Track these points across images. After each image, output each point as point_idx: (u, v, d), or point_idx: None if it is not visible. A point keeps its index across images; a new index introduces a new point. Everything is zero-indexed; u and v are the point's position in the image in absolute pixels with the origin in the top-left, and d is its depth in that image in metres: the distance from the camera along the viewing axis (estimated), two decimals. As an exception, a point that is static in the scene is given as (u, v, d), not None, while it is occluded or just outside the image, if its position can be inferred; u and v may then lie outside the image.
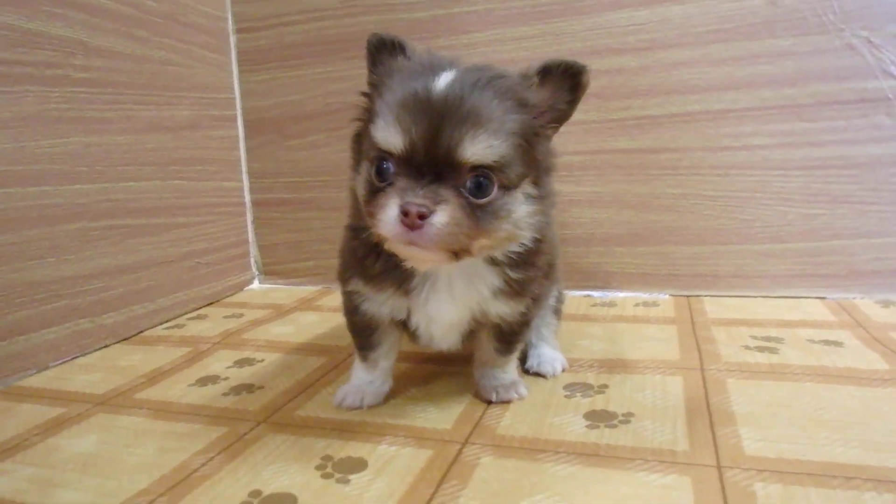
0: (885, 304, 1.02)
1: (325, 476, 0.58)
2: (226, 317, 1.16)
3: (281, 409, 0.73)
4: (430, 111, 0.50)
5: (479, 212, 0.52)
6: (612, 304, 1.11)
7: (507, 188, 0.53)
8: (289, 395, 0.77)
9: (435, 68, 0.53)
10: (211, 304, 1.25)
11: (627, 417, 0.66)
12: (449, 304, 0.62)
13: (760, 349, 0.84)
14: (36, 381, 0.87)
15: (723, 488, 0.51)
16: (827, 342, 0.86)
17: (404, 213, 0.49)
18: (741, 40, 1.06)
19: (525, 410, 0.69)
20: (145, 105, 1.09)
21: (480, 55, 1.15)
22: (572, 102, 0.57)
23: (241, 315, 1.16)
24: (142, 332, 1.08)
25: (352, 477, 0.57)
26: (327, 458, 0.61)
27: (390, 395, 0.75)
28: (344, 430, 0.67)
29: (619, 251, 1.16)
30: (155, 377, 0.86)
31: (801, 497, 0.49)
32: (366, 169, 0.55)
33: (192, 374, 0.87)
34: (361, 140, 0.57)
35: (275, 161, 1.35)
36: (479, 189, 0.51)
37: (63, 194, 0.95)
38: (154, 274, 1.12)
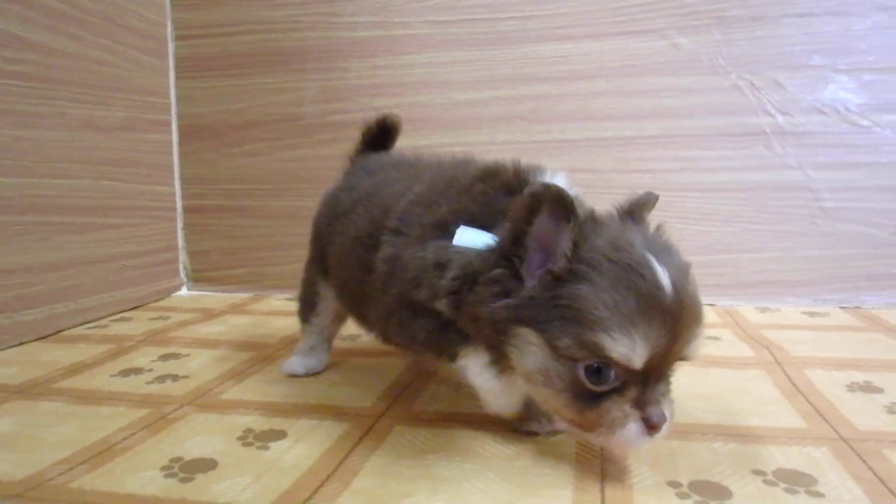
0: (763, 310, 1.16)
1: (246, 444, 0.61)
2: (151, 318, 1.16)
3: (207, 393, 0.76)
4: (671, 319, 0.46)
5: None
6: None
7: None
8: (215, 382, 0.80)
9: (647, 263, 0.47)
10: (136, 307, 1.25)
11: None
12: None
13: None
14: (-52, 372, 0.86)
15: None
16: (708, 337, 0.96)
17: (651, 427, 0.48)
18: (649, 76, 1.18)
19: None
20: (79, 103, 1.10)
21: (416, 76, 1.24)
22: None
23: (168, 317, 1.16)
24: (61, 331, 1.06)
25: (272, 444, 0.61)
26: (249, 430, 0.64)
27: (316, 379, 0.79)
28: (268, 409, 0.70)
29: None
30: (76, 369, 0.86)
31: (665, 447, 0.59)
32: (549, 359, 0.49)
33: (114, 367, 0.87)
34: (519, 319, 0.49)
35: (210, 167, 1.37)
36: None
37: (-11, 187, 0.94)
38: (78, 273, 1.11)
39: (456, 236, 0.53)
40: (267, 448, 0.60)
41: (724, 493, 0.51)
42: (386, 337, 0.64)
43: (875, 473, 0.54)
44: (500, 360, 0.53)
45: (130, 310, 1.23)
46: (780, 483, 0.52)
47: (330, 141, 1.07)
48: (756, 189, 1.17)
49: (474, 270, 0.51)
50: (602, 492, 0.51)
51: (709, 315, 1.08)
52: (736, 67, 1.16)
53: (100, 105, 1.15)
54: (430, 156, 0.77)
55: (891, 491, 0.51)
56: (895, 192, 1.14)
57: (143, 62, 1.27)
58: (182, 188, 1.39)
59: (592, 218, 0.51)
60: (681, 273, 0.49)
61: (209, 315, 1.18)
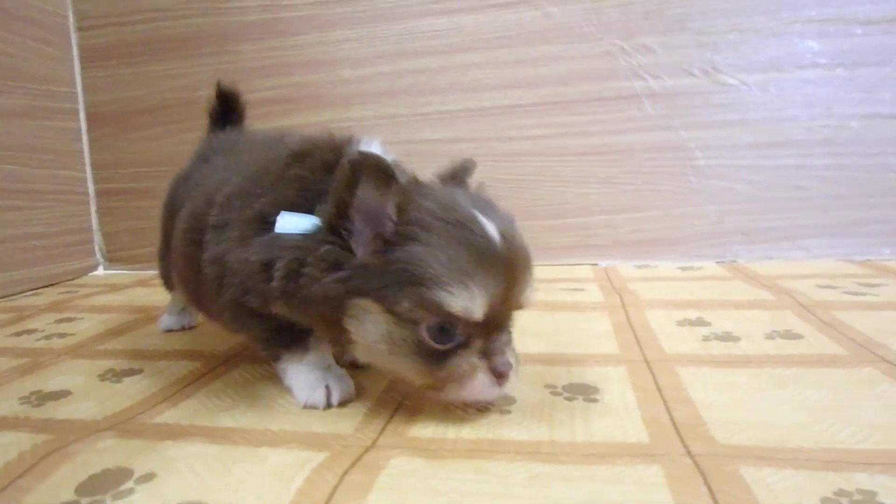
0: (642, 267, 1.27)
1: (103, 380, 0.71)
2: (60, 293, 1.26)
3: (84, 346, 0.86)
4: (505, 269, 0.49)
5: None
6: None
7: None
8: (96, 338, 0.90)
9: (474, 218, 0.50)
10: (51, 285, 1.34)
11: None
12: None
13: (513, 294, 1.04)
14: None
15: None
16: (573, 290, 1.08)
17: (500, 375, 0.50)
18: (521, 46, 1.29)
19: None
20: (-24, 90, 1.20)
21: (306, 56, 1.34)
22: None
23: (77, 292, 1.26)
24: (-29, 305, 1.16)
25: (126, 379, 0.72)
26: (110, 370, 0.75)
27: (186, 332, 0.90)
28: (135, 355, 0.81)
29: (429, 229, 1.35)
30: (-28, 333, 0.96)
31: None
32: (392, 326, 0.50)
33: (11, 330, 0.97)
34: (355, 291, 0.50)
35: (117, 153, 1.48)
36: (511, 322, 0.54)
37: None
38: (-14, 252, 1.21)
39: (277, 224, 0.53)
40: (120, 381, 0.70)
41: (508, 401, 0.58)
42: (227, 325, 0.66)
43: (657, 385, 0.61)
44: (340, 339, 0.54)
45: (44, 287, 1.33)
46: (564, 393, 0.60)
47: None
48: (629, 151, 1.28)
49: (302, 256, 0.51)
50: (399, 403, 0.60)
51: (585, 273, 1.21)
52: (606, 34, 1.26)
53: (-2, 92, 1.24)
54: (255, 135, 0.83)
55: (663, 398, 0.57)
56: (763, 148, 1.25)
57: (45, 52, 1.37)
58: (93, 173, 1.49)
59: (416, 182, 0.54)
60: (508, 225, 0.52)
61: (114, 289, 1.28)
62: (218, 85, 0.92)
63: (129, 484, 0.46)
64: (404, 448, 0.50)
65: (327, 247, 0.50)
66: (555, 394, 0.60)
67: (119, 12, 1.43)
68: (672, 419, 0.54)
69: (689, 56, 1.25)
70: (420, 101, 1.31)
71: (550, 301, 0.99)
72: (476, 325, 0.49)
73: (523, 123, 1.30)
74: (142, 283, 1.35)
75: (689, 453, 0.47)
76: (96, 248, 1.50)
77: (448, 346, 0.50)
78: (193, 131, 1.39)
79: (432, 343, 0.50)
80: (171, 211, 0.81)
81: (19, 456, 0.52)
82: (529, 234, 1.28)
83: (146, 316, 1.02)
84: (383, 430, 0.54)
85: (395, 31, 1.32)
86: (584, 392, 0.61)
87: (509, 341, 0.53)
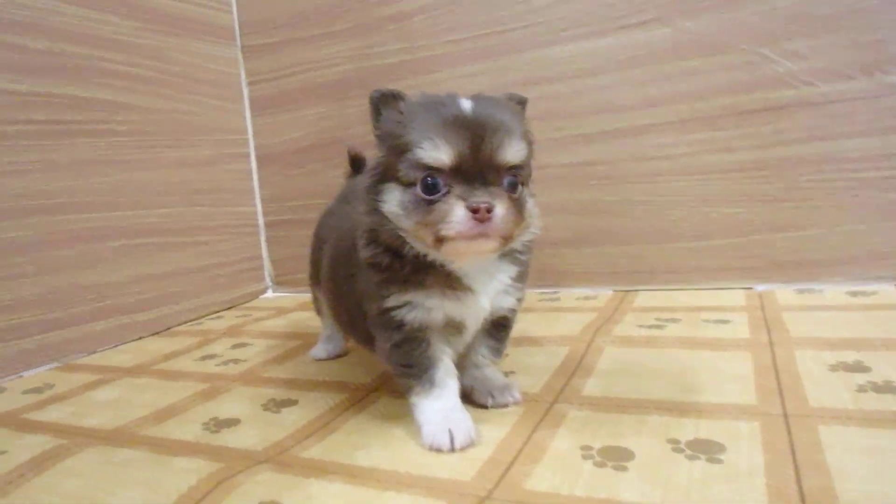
0: (802, 291, 1.14)
1: (266, 409, 0.81)
2: (237, 316, 1.43)
3: (253, 372, 0.98)
4: (470, 127, 0.59)
5: (515, 204, 0.61)
6: (555, 299, 1.29)
7: (523, 185, 0.64)
8: (262, 364, 1.02)
9: (451, 99, 0.62)
10: (229, 308, 1.53)
11: (509, 373, 0.85)
12: (483, 296, 0.68)
13: (651, 327, 1.01)
14: (85, 360, 1.16)
15: (547, 414, 0.71)
16: (717, 321, 1.00)
17: (474, 211, 0.57)
18: (655, 63, 1.24)
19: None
20: (171, 148, 1.41)
21: (441, 90, 1.37)
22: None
23: (249, 315, 1.43)
24: (169, 328, 1.36)
25: (283, 409, 0.81)
26: (272, 399, 0.85)
27: (337, 361, 0.99)
28: (292, 384, 0.90)
29: (566, 253, 1.34)
30: (170, 356, 1.13)
31: (614, 420, 0.66)
32: (401, 192, 0.62)
33: (198, 354, 1.13)
34: (383, 177, 0.64)
35: (282, 188, 1.65)
36: (512, 186, 0.61)
37: (108, 219, 1.26)
38: (180, 282, 1.40)
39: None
40: (279, 412, 0.80)
41: (627, 455, 0.57)
42: (372, 349, 0.77)
43: (791, 446, 0.56)
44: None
45: (224, 310, 1.51)
46: (686, 450, 0.57)
47: (371, 157, 1.26)
48: (781, 165, 1.17)
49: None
50: (519, 451, 0.61)
51: (736, 298, 1.15)
52: (748, 42, 1.17)
53: (188, 147, 1.45)
54: None
55: (794, 462, 0.53)
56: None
57: (223, 107, 1.57)
58: (262, 207, 1.68)
59: (422, 94, 0.66)
60: (490, 104, 0.62)
61: (280, 312, 1.43)
62: (348, 150, 1.06)
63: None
64: (518, 501, 0.52)
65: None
66: (677, 450, 0.58)
67: (280, 66, 1.60)
68: (800, 488, 0.49)
69: (847, 58, 1.12)
70: (554, 126, 1.32)
71: (688, 337, 0.93)
72: (453, 175, 0.59)
73: (661, 142, 1.25)
74: (303, 305, 1.48)
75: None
76: (266, 273, 1.69)
77: (436, 196, 0.59)
78: (345, 166, 1.53)
79: (424, 196, 0.60)
80: (318, 242, 0.97)
81: (198, 482, 0.61)
82: (673, 256, 1.24)
83: (304, 343, 1.12)
84: (500, 480, 0.56)
85: (525, 61, 1.33)
86: (709, 450, 0.57)
87: (497, 194, 0.59)
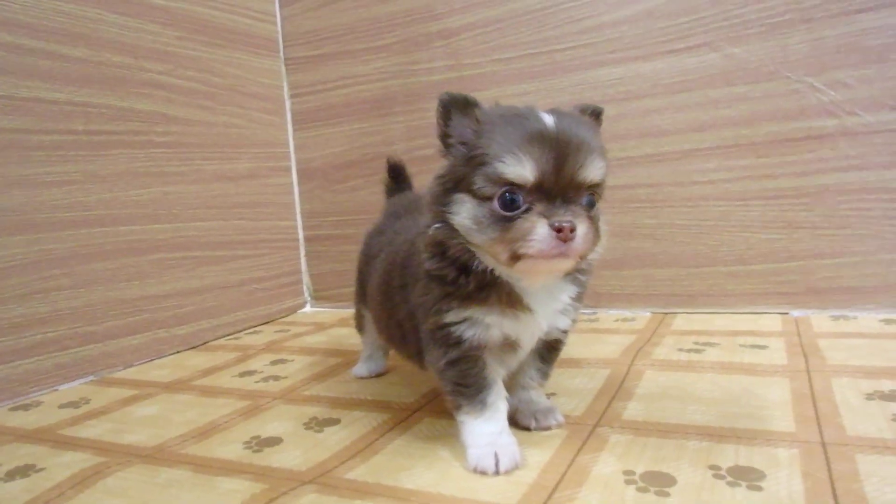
0: (837, 318, 1.15)
1: (308, 428, 0.81)
2: (276, 331, 1.44)
3: (294, 390, 0.98)
4: (553, 144, 0.57)
5: (593, 223, 0.60)
6: (594, 320, 1.29)
7: (598, 203, 0.63)
8: (303, 381, 1.03)
9: (532, 113, 0.60)
10: (267, 322, 1.54)
11: (551, 395, 0.84)
12: (542, 316, 0.67)
13: (690, 351, 1.01)
14: (122, 374, 1.18)
15: (589, 437, 0.70)
16: (754, 346, 1.01)
17: (558, 230, 0.56)
18: (702, 89, 1.24)
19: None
20: (211, 160, 1.42)
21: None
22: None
23: (288, 330, 1.44)
24: (207, 342, 1.37)
25: (326, 429, 0.81)
26: (314, 418, 0.85)
27: (378, 380, 0.99)
28: (334, 402, 0.91)
29: (606, 274, 1.34)
30: (209, 371, 1.14)
31: (655, 445, 0.66)
32: (475, 205, 0.60)
33: (237, 370, 1.14)
34: (454, 188, 0.62)
35: (323, 203, 1.66)
36: (590, 204, 0.61)
37: (146, 232, 1.27)
38: (218, 296, 1.42)
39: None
40: (322, 431, 0.80)
41: (669, 481, 0.58)
42: (421, 365, 0.77)
43: (830, 475, 0.57)
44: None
45: (262, 324, 1.52)
46: (727, 476, 0.58)
47: (416, 173, 1.24)
48: (821, 193, 1.17)
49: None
50: (563, 475, 0.61)
51: (773, 324, 1.14)
52: (794, 71, 1.17)
53: (228, 160, 1.46)
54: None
55: (833, 492, 0.53)
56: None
57: (265, 120, 1.58)
58: (302, 221, 1.70)
59: (498, 105, 0.65)
60: (571, 120, 0.60)
61: (319, 328, 1.44)
62: (387, 160, 1.07)
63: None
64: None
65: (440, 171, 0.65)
66: (717, 476, 0.58)
67: (324, 80, 1.62)
68: None
69: (892, 89, 1.12)
70: (596, 149, 1.31)
71: (727, 362, 0.94)
72: (534, 191, 0.58)
73: (704, 167, 1.25)
74: (342, 321, 1.49)
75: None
76: (305, 288, 1.70)
77: (515, 212, 0.58)
78: (384, 179, 1.53)
79: (503, 211, 0.59)
80: (366, 259, 0.96)
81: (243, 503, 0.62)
82: (711, 280, 1.23)
83: (344, 361, 1.13)
84: (545, 506, 0.56)
85: (572, 82, 1.34)
86: (749, 477, 0.58)
87: (579, 213, 0.58)
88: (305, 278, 1.70)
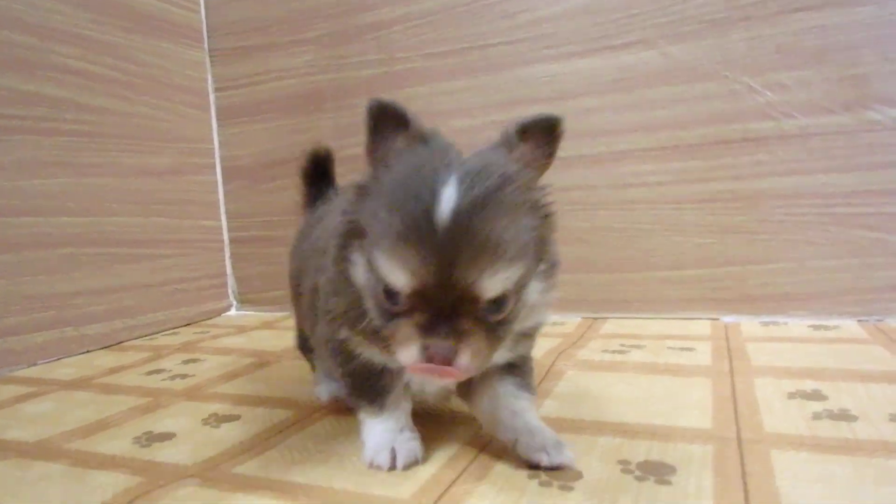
0: (767, 324, 1.17)
1: (206, 424, 0.79)
2: (195, 333, 1.41)
3: (200, 388, 0.96)
4: (437, 247, 0.47)
5: (498, 328, 0.51)
6: (525, 325, 1.29)
7: (522, 289, 0.52)
8: (212, 381, 1.00)
9: (434, 182, 0.49)
10: (188, 325, 1.51)
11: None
12: None
13: (614, 352, 1.02)
14: (23, 372, 1.13)
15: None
16: (682, 349, 1.03)
17: (429, 359, 0.49)
18: (639, 88, 1.26)
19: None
20: (130, 153, 1.39)
21: (419, 106, 1.38)
22: (551, 155, 0.58)
23: (208, 332, 1.41)
24: (121, 342, 1.33)
25: (224, 425, 0.79)
26: (213, 415, 0.83)
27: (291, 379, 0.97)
28: (239, 400, 0.89)
29: (539, 279, 1.35)
30: (116, 370, 1.11)
31: (566, 441, 0.62)
32: (366, 271, 0.54)
33: (145, 369, 1.11)
34: (355, 234, 0.55)
35: (249, 203, 1.64)
36: (498, 308, 0.50)
37: (55, 224, 1.24)
38: (135, 295, 1.38)
39: None
40: (219, 427, 0.78)
41: (575, 476, 0.57)
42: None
43: (743, 471, 0.57)
44: None
45: (183, 326, 1.49)
46: (636, 471, 0.58)
47: (347, 173, 1.22)
48: (756, 197, 1.20)
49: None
50: (463, 469, 0.61)
51: (703, 329, 1.15)
52: (732, 71, 1.20)
53: (148, 153, 1.43)
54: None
55: (745, 489, 0.53)
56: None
57: (188, 114, 1.56)
58: (228, 222, 1.67)
59: (427, 132, 0.55)
60: (482, 194, 0.48)
61: (241, 330, 1.41)
62: (311, 153, 1.03)
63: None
64: (452, 520, 0.51)
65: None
66: (626, 471, 0.58)
67: (250, 73, 1.60)
68: None
69: (830, 91, 1.15)
70: (530, 149, 1.33)
71: (650, 363, 0.95)
72: (416, 299, 0.49)
73: (640, 170, 1.27)
74: (265, 324, 1.47)
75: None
76: (230, 290, 1.67)
77: (396, 308, 0.51)
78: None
79: (385, 302, 0.51)
80: (297, 273, 0.91)
81: (113, 497, 0.59)
82: (644, 286, 1.25)
83: (259, 360, 1.11)
84: (439, 499, 0.55)
85: (506, 80, 1.35)
86: (658, 472, 0.58)
87: (465, 333, 0.49)
88: (231, 281, 1.67)
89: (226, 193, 1.66)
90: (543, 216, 0.55)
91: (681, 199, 1.25)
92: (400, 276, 0.48)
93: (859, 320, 1.15)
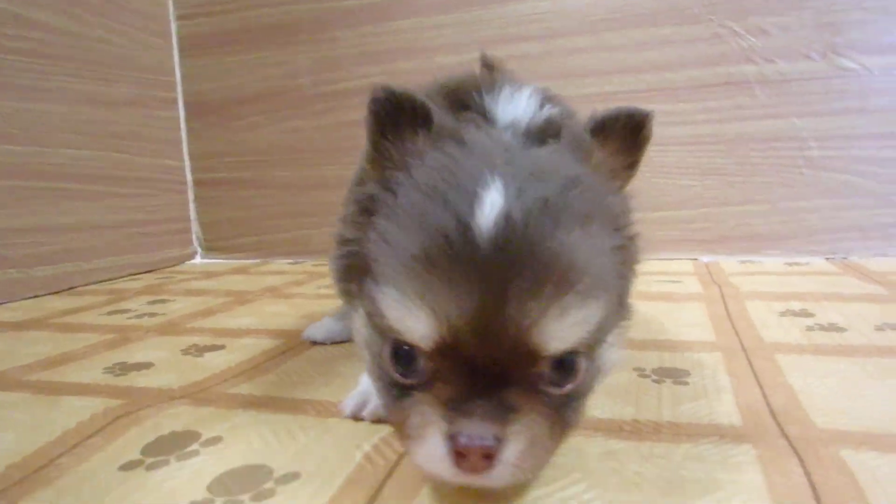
0: (745, 262, 1.21)
1: (186, 354, 0.73)
2: (157, 278, 1.31)
3: (174, 324, 0.89)
4: (475, 274, 0.32)
5: (562, 407, 0.36)
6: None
7: (599, 342, 0.37)
8: (186, 317, 0.93)
9: (472, 181, 0.34)
10: (149, 271, 1.41)
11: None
12: None
13: (606, 285, 1.01)
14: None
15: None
16: (670, 282, 1.04)
17: (459, 453, 0.32)
18: (630, 28, 1.23)
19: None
20: (80, 79, 1.26)
21: (404, 41, 1.34)
22: (635, 164, 0.43)
23: (173, 277, 1.32)
24: (74, 287, 1.23)
25: (207, 354, 0.73)
26: (194, 345, 0.77)
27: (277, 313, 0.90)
28: (221, 333, 0.82)
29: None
30: (72, 311, 1.01)
31: None
32: (366, 326, 0.38)
33: (106, 309, 1.02)
34: (356, 266, 0.39)
35: (216, 142, 1.53)
36: (565, 373, 0.35)
37: (-6, 153, 1.10)
38: (90, 236, 1.28)
39: None
40: (202, 356, 0.72)
41: None
42: None
43: (754, 371, 0.59)
44: None
45: (144, 273, 1.39)
46: (652, 376, 0.58)
47: (325, 111, 1.17)
48: (736, 140, 1.20)
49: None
50: None
51: (685, 267, 1.15)
52: (717, 14, 1.19)
53: (101, 81, 1.31)
54: None
55: (759, 384, 0.55)
56: (886, 139, 1.15)
57: (147, 42, 1.43)
58: (191, 162, 1.55)
59: (450, 134, 0.39)
60: (532, 211, 0.33)
61: (209, 275, 1.33)
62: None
63: (195, 446, 0.47)
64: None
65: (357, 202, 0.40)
66: (643, 376, 0.59)
67: (218, 0, 1.48)
68: (768, 404, 0.51)
69: (808, 38, 1.16)
70: (517, 89, 1.29)
71: (643, 291, 0.94)
72: (438, 356, 0.33)
73: (624, 111, 1.25)
74: (237, 270, 1.39)
75: (785, 435, 0.45)
76: (194, 237, 1.57)
77: (409, 380, 0.35)
78: (293, 120, 1.44)
79: (392, 371, 0.36)
80: None
81: (91, 418, 0.53)
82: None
83: (239, 299, 1.04)
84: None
85: (496, 15, 1.30)
86: (674, 375, 0.59)
87: (508, 411, 0.33)
88: (195, 226, 1.57)
89: (189, 131, 1.54)
90: (627, 237, 0.40)
91: (665, 140, 1.24)
92: (417, 323, 0.33)
93: (827, 258, 1.18)
